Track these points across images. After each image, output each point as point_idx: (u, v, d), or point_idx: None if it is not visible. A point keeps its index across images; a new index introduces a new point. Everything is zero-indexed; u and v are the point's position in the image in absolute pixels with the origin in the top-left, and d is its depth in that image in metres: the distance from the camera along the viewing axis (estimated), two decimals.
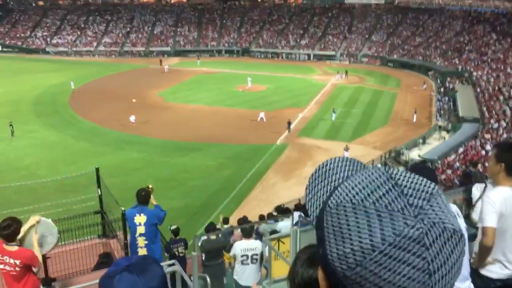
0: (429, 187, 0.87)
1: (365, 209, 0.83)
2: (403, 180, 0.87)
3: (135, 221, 7.55)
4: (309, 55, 79.84)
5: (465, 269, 3.69)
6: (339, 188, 0.91)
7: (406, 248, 0.79)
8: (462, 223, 3.84)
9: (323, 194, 0.96)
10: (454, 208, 3.96)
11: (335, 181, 0.97)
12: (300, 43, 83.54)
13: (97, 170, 10.67)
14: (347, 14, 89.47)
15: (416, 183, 0.87)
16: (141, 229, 7.51)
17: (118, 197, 10.98)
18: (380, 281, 0.80)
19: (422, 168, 4.87)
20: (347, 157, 1.04)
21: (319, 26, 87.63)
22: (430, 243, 0.80)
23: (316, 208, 0.95)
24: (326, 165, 1.03)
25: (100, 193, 10.81)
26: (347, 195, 0.87)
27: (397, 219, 0.81)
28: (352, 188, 0.88)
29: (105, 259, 10.05)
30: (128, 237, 8.21)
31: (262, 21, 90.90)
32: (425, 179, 0.89)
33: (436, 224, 0.82)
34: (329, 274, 0.89)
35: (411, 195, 0.84)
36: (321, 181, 0.99)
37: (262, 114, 42.96)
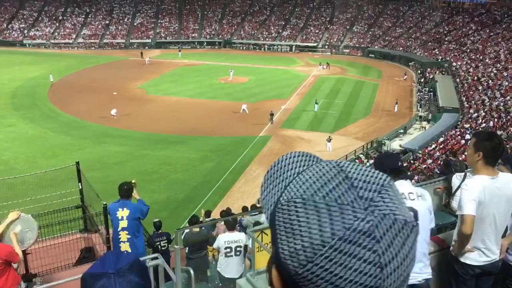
0: (380, 179, 0.86)
1: (315, 204, 0.82)
2: (354, 173, 0.86)
3: (117, 215, 7.47)
4: (291, 47, 79.84)
5: (419, 251, 3.76)
6: (290, 184, 0.89)
7: (356, 242, 0.77)
8: (425, 206, 3.90)
9: (276, 192, 0.92)
10: (418, 190, 4.01)
11: (288, 177, 0.93)
12: (282, 34, 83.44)
13: (78, 164, 10.54)
14: (329, 5, 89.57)
15: (367, 175, 0.86)
16: (123, 223, 7.43)
17: (99, 191, 10.87)
18: (332, 277, 0.78)
19: (387, 154, 4.93)
20: (301, 152, 1.00)
21: (301, 17, 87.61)
22: (381, 235, 0.78)
23: (270, 206, 0.91)
24: (281, 161, 0.99)
25: (81, 187, 10.69)
26: (297, 190, 0.85)
27: (347, 213, 0.79)
28: (303, 183, 0.86)
29: (87, 254, 9.95)
30: (111, 231, 8.13)
31: (243, 13, 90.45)
32: (377, 172, 0.87)
33: (386, 216, 0.80)
34: (282, 273, 0.86)
35: (361, 188, 0.83)
36: (275, 179, 0.95)
37: (244, 106, 42.88)
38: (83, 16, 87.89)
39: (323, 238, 0.78)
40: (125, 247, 7.49)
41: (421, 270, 3.86)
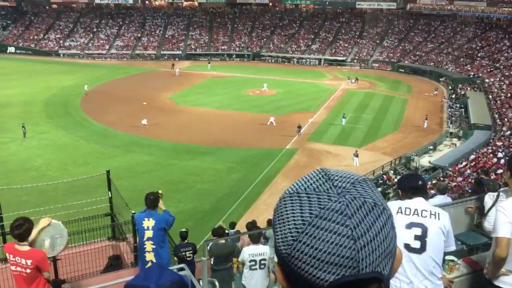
0: (356, 176, 1.02)
1: (298, 195, 0.99)
2: (333, 172, 1.03)
3: (143, 225, 7.55)
4: (319, 60, 79.75)
5: (424, 268, 3.71)
6: (286, 189, 1.06)
7: (330, 219, 0.91)
8: (438, 224, 3.82)
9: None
10: (435, 209, 3.95)
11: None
12: (311, 47, 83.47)
13: (108, 172, 10.72)
14: (358, 19, 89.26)
15: (344, 173, 1.03)
16: (149, 233, 7.51)
17: (127, 200, 11.03)
18: (314, 251, 0.90)
19: (410, 174, 4.91)
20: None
21: (330, 31, 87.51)
22: (352, 213, 0.92)
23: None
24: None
25: (110, 196, 10.86)
26: (286, 190, 1.04)
27: (323, 197, 0.95)
28: (293, 185, 1.05)
29: (114, 262, 10.07)
30: (137, 240, 8.22)
31: (273, 26, 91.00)
32: (355, 173, 1.04)
33: (356, 198, 0.94)
34: (280, 262, 1.00)
35: (336, 180, 0.99)
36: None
37: (272, 119, 42.95)
38: (117, 28, 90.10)
39: (303, 218, 0.93)
40: (150, 257, 7.56)
41: None
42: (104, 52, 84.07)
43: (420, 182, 3.97)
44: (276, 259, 1.04)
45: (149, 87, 58.15)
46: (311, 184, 1.00)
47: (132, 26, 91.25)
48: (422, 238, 3.71)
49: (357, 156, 34.34)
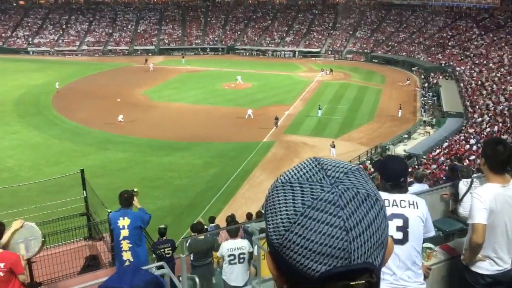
0: (349, 165, 1.00)
1: (291, 184, 0.97)
2: (326, 161, 1.02)
3: (118, 224, 7.41)
4: (294, 52, 79.92)
5: (407, 258, 3.70)
6: (278, 177, 1.05)
7: (323, 210, 0.90)
8: (417, 213, 3.82)
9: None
10: (412, 198, 3.93)
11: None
12: (285, 40, 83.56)
13: (82, 171, 10.51)
14: (331, 10, 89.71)
15: (337, 163, 1.01)
16: (125, 232, 7.37)
17: (103, 198, 10.85)
18: (306, 242, 0.90)
19: (395, 158, 4.84)
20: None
21: (304, 23, 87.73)
22: (345, 204, 0.91)
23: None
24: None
25: (85, 195, 10.66)
26: (279, 179, 1.02)
27: (315, 187, 0.94)
28: (285, 173, 1.03)
29: (91, 262, 9.90)
30: (114, 239, 8.08)
31: (246, 19, 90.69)
32: (348, 163, 1.02)
33: (349, 189, 0.93)
34: (272, 252, 0.99)
35: (329, 169, 0.98)
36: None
37: (249, 111, 42.84)
38: (87, 24, 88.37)
39: (295, 208, 0.92)
40: (127, 256, 7.44)
41: (410, 279, 3.74)
42: (75, 48, 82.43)
43: (401, 179, 3.90)
44: (267, 248, 1.03)
45: (123, 83, 57.30)
46: (304, 174, 0.98)
47: (103, 21, 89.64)
48: (404, 228, 3.71)
49: (333, 146, 34.60)
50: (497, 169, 3.92)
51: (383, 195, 3.81)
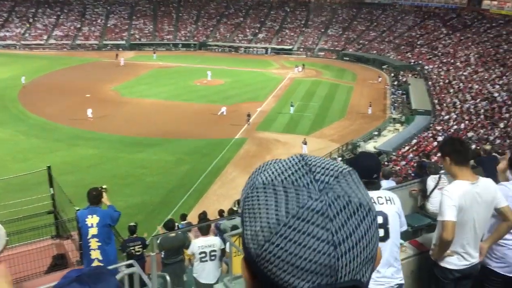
0: (339, 167, 0.89)
1: (274, 187, 0.86)
2: (314, 161, 0.90)
3: (86, 222, 7.24)
4: (266, 49, 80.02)
5: (390, 255, 3.75)
6: (257, 176, 0.94)
7: (309, 220, 0.80)
8: (394, 209, 3.88)
9: (249, 187, 0.96)
10: (387, 193, 3.98)
11: (259, 173, 0.97)
12: (258, 37, 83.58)
13: (49, 168, 10.24)
14: (303, 8, 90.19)
15: (327, 163, 0.90)
16: (93, 231, 7.21)
17: (72, 195, 10.61)
18: (287, 256, 0.80)
19: (369, 155, 4.86)
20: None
21: (276, 20, 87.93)
22: (334, 214, 0.81)
23: (243, 200, 0.95)
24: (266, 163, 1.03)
25: (52, 192, 10.39)
26: (260, 178, 0.91)
27: (301, 193, 0.83)
28: (267, 172, 0.92)
29: (59, 261, 9.68)
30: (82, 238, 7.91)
31: (219, 15, 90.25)
32: (338, 162, 0.92)
33: (340, 197, 0.83)
34: (247, 259, 0.90)
35: (318, 172, 0.87)
36: (252, 177, 1.00)
37: (223, 109, 42.60)
38: (55, 17, 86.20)
39: (278, 217, 0.82)
40: (95, 254, 7.29)
41: (393, 276, 3.81)
42: (42, 42, 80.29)
43: (374, 176, 3.90)
44: (243, 255, 0.93)
45: (92, 78, 56.17)
46: (289, 176, 0.87)
47: (71, 15, 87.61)
48: (384, 225, 3.73)
49: (305, 144, 34.84)
50: (463, 161, 3.99)
51: None
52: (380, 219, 3.71)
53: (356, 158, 4.07)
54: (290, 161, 0.92)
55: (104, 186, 7.66)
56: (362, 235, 0.83)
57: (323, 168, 0.88)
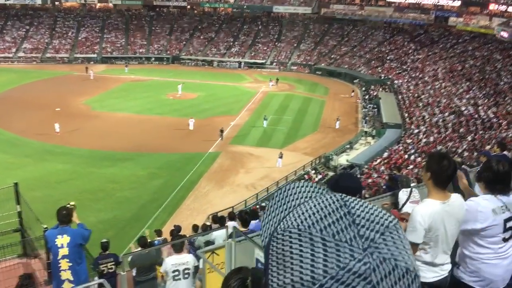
0: (385, 219, 0.80)
1: (311, 236, 0.76)
2: (358, 209, 0.81)
3: (56, 243, 6.97)
4: (239, 63, 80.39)
5: None
6: (290, 214, 0.84)
7: (349, 284, 0.70)
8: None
9: (277, 220, 0.87)
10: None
11: (292, 206, 0.87)
12: (231, 50, 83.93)
13: (16, 185, 9.94)
14: (276, 23, 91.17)
15: (372, 214, 0.80)
16: (64, 251, 6.94)
17: (40, 212, 10.33)
18: None
19: (349, 176, 4.91)
20: (310, 183, 0.95)
21: (249, 34, 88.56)
22: (378, 280, 0.71)
23: (268, 234, 0.86)
24: (287, 190, 0.93)
25: (19, 210, 10.08)
26: (295, 220, 0.81)
27: (343, 251, 0.73)
28: (302, 213, 0.81)
29: (26, 281, 9.33)
30: (51, 257, 7.65)
31: (192, 29, 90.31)
32: (383, 212, 0.82)
33: (386, 260, 0.73)
34: None
35: (363, 226, 0.77)
36: (279, 206, 0.90)
37: (191, 121, 42.22)
38: (24, 30, 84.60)
39: (314, 275, 0.72)
40: (66, 275, 7.03)
41: None
42: (10, 55, 78.57)
43: (357, 195, 3.91)
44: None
45: (63, 92, 55.18)
46: (329, 224, 0.76)
47: (41, 27, 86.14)
48: None
49: (281, 157, 34.90)
50: (442, 184, 3.97)
51: None
52: None
53: (337, 179, 4.07)
54: (331, 205, 0.81)
55: (72, 203, 7.38)
56: None
57: (367, 220, 0.78)
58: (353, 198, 0.85)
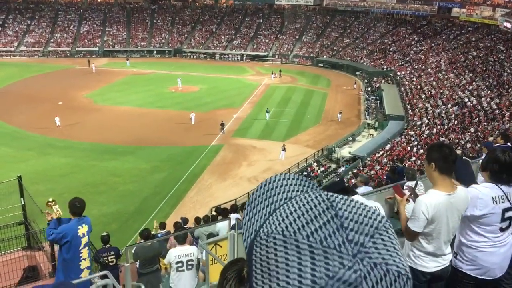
0: (374, 220, 0.76)
1: (297, 243, 0.71)
2: (345, 210, 0.76)
3: (78, 233, 7.02)
4: (241, 56, 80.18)
5: None
6: (273, 215, 0.78)
7: None
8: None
9: (259, 218, 0.82)
10: (371, 203, 4.05)
11: (274, 203, 0.82)
12: (233, 43, 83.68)
13: (20, 178, 9.96)
14: (278, 15, 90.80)
15: (360, 215, 0.75)
16: (85, 240, 7.10)
17: (43, 205, 10.31)
18: None
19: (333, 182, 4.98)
20: (292, 175, 0.89)
21: (251, 26, 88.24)
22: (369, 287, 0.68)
23: (250, 234, 0.81)
24: (268, 183, 0.88)
25: (23, 203, 10.11)
26: (279, 224, 0.75)
27: (332, 258, 0.69)
28: (287, 217, 0.76)
29: (30, 273, 9.40)
30: (56, 249, 7.68)
31: (193, 21, 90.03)
32: (372, 211, 0.78)
33: (377, 266, 0.69)
34: None
35: (351, 229, 0.73)
36: (260, 202, 0.85)
37: (192, 115, 42.26)
38: (26, 24, 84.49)
39: (301, 286, 0.68)
40: (86, 263, 7.15)
41: None
42: (12, 49, 78.53)
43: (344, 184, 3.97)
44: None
45: (65, 85, 55.19)
46: (316, 230, 0.71)
47: (43, 21, 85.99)
48: None
49: (284, 150, 34.91)
50: (448, 171, 3.99)
51: None
52: None
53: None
54: (317, 206, 0.76)
55: (50, 199, 7.22)
56: None
57: (356, 222, 0.73)
58: (340, 197, 0.80)
